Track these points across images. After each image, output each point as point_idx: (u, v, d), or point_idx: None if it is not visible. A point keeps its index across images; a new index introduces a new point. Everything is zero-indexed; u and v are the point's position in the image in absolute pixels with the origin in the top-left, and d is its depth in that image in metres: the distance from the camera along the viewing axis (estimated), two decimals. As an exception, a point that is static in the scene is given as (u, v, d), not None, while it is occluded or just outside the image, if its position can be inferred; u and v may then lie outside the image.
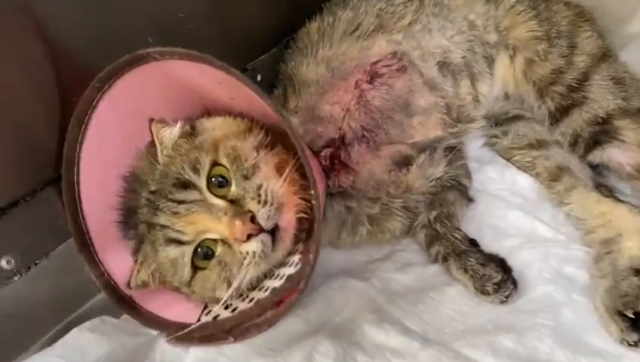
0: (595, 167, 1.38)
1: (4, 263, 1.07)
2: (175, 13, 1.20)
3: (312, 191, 0.94)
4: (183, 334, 1.02)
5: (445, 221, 1.30)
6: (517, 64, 1.42)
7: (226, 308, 1.06)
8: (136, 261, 1.08)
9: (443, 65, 1.34)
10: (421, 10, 1.38)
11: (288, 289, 0.97)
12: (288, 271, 1.01)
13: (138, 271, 1.07)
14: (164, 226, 1.02)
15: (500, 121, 1.48)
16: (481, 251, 1.24)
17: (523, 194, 1.37)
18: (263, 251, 0.98)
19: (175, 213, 1.01)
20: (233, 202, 0.99)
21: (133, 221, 1.08)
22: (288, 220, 1.02)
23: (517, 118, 1.46)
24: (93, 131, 1.05)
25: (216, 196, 1.00)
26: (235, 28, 1.38)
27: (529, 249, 1.24)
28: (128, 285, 1.08)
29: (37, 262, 1.12)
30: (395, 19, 1.37)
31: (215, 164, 1.02)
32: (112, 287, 1.09)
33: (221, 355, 1.08)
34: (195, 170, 1.01)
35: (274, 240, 1.00)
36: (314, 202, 0.95)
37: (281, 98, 1.34)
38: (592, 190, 1.32)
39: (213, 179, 1.01)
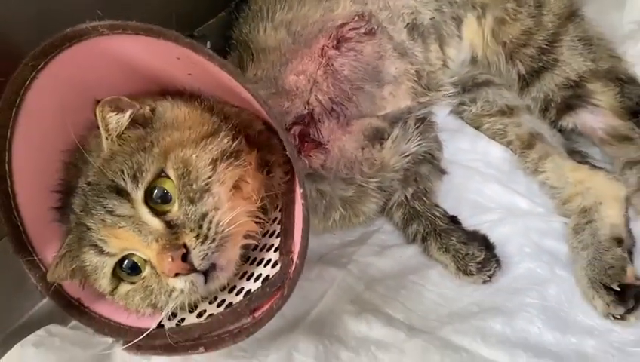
0: (564, 133, 1.32)
1: None
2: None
3: (302, 201, 0.83)
4: (142, 341, 0.90)
5: (423, 198, 1.22)
6: (486, 24, 1.33)
7: (191, 310, 0.94)
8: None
9: (413, 28, 1.25)
10: None
11: (268, 296, 0.85)
12: (264, 271, 0.90)
13: (56, 264, 0.91)
14: (89, 228, 0.87)
15: (467, 88, 1.40)
16: (462, 229, 1.17)
17: (496, 164, 1.30)
18: (192, 289, 0.85)
19: (102, 221, 0.85)
20: (171, 226, 0.84)
21: (71, 203, 0.92)
22: (230, 258, 0.88)
23: (485, 83, 1.39)
24: (27, 114, 0.89)
25: (154, 213, 0.85)
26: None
27: (509, 223, 1.18)
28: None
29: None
30: None
31: (162, 173, 0.86)
32: (57, 291, 0.94)
33: (188, 359, 0.97)
34: (134, 179, 0.85)
35: (207, 279, 0.86)
36: (303, 214, 0.82)
37: (236, 66, 1.20)
38: (567, 157, 1.27)
39: (155, 191, 0.86)
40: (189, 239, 0.82)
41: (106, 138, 0.89)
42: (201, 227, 0.83)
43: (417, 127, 1.22)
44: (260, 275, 0.90)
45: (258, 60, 1.17)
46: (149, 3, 1.15)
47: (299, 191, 0.84)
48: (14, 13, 0.92)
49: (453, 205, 1.23)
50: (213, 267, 0.85)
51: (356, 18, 1.19)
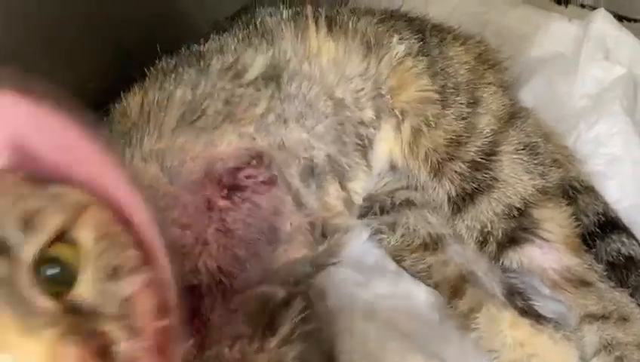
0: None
1: None
2: None
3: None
4: None
5: None
6: (404, 133, 1.07)
7: None
8: None
9: (305, 172, 0.98)
10: (277, 93, 1.00)
11: None
12: None
13: None
14: None
15: (386, 209, 1.13)
16: None
17: (421, 315, 1.04)
18: None
19: None
20: (73, 310, 0.51)
21: None
22: None
23: (405, 204, 1.13)
24: None
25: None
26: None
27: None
28: None
29: None
30: (244, 106, 0.97)
31: (61, 237, 0.53)
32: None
33: None
34: (27, 225, 0.51)
35: None
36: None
37: None
38: (503, 305, 1.02)
39: (42, 269, 0.51)
40: (111, 326, 0.51)
41: None
42: (126, 315, 0.53)
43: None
44: None
45: None
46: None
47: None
48: None
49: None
50: None
51: (254, 162, 0.93)
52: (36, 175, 0.59)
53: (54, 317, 0.49)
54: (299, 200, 0.96)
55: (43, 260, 0.51)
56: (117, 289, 0.53)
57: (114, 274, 0.54)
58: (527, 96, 1.29)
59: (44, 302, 0.50)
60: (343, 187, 1.04)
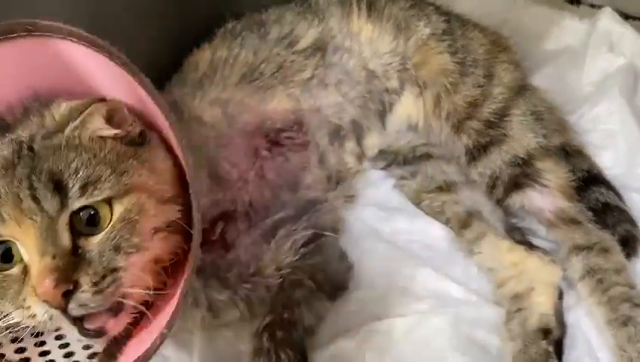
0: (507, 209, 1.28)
1: None
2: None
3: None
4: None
5: (278, 331, 1.04)
6: (426, 99, 1.31)
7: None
8: None
9: (333, 133, 1.24)
10: (321, 62, 1.24)
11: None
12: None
13: None
14: None
15: (407, 160, 1.36)
16: None
17: (434, 246, 1.26)
18: (44, 323, 0.74)
19: (18, 197, 0.74)
20: (78, 254, 0.75)
21: None
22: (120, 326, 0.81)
23: (425, 157, 1.35)
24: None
25: (71, 229, 0.76)
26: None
27: (439, 314, 1.12)
28: None
29: None
30: (293, 71, 1.23)
31: (110, 200, 0.77)
32: None
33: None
34: (84, 187, 0.75)
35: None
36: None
37: None
38: (503, 237, 1.22)
39: (83, 213, 0.76)
40: (84, 280, 0.73)
41: (73, 128, 0.80)
42: (104, 279, 0.74)
43: (305, 244, 1.12)
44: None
45: (189, 126, 1.10)
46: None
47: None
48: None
49: (381, 293, 1.17)
50: (103, 330, 0.79)
51: (295, 127, 1.17)
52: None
53: (62, 254, 0.73)
54: (323, 158, 1.21)
55: (86, 208, 0.76)
56: (111, 259, 0.76)
57: (117, 248, 0.76)
58: (541, 83, 1.45)
59: (64, 238, 0.74)
60: (359, 144, 1.29)
